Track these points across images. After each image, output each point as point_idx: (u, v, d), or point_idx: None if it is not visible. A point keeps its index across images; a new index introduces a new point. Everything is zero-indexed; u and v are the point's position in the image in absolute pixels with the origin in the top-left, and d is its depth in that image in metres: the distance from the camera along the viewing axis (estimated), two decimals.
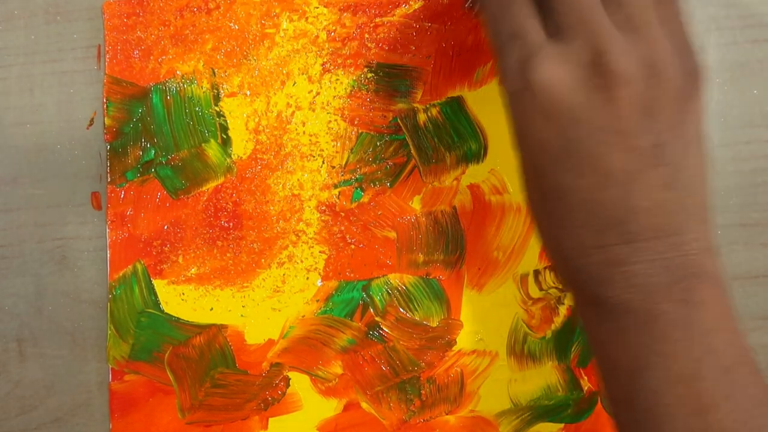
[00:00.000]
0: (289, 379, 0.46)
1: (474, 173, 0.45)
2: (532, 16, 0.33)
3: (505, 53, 0.34)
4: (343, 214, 0.45)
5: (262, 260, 0.45)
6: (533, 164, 0.34)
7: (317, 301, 0.45)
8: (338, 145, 0.45)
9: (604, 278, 0.33)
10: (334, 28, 0.45)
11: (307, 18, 0.45)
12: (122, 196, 0.45)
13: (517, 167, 0.37)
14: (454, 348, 0.46)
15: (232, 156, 0.45)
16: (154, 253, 0.45)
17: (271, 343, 0.45)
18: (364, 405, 0.46)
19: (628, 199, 0.32)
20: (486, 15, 0.35)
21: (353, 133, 0.45)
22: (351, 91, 0.45)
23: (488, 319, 0.46)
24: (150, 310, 0.45)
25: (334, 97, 0.45)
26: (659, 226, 0.32)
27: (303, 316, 0.45)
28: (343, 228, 0.45)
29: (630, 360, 0.33)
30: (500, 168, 0.45)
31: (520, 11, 0.33)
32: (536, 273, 0.46)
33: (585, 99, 0.32)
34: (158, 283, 0.45)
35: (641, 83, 0.32)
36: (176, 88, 0.45)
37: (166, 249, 0.45)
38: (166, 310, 0.45)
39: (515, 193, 0.46)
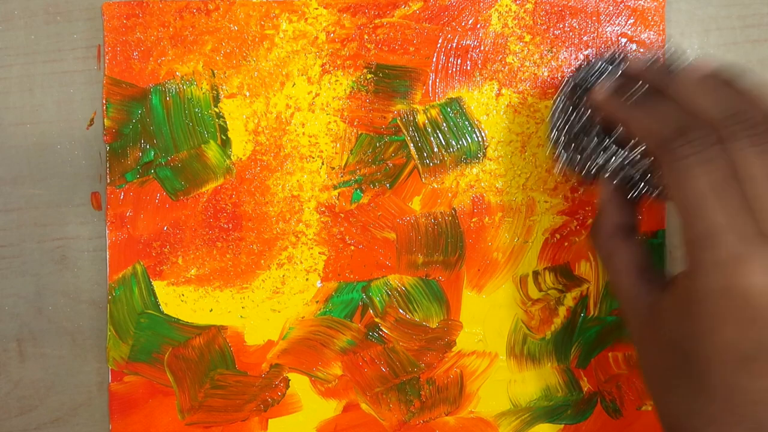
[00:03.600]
0: (289, 380, 0.46)
1: (473, 174, 0.45)
2: (739, 211, 0.32)
3: (707, 246, 0.32)
4: (342, 215, 0.45)
5: (262, 261, 0.45)
6: (697, 359, 0.33)
7: (317, 302, 0.45)
8: (338, 146, 0.45)
9: None
10: (333, 29, 0.45)
11: (306, 19, 0.45)
12: (122, 197, 0.45)
13: (634, 337, 0.37)
14: (453, 349, 0.46)
15: (232, 157, 0.45)
16: (153, 254, 0.45)
17: (270, 344, 0.46)
18: (363, 406, 0.46)
19: None
20: (686, 192, 0.33)
21: (353, 134, 0.45)
22: (350, 92, 0.45)
23: (488, 320, 0.46)
24: (150, 312, 0.45)
25: (334, 98, 0.45)
26: None
27: (302, 317, 0.45)
28: (342, 229, 0.45)
29: None
30: (500, 168, 0.45)
31: (729, 204, 0.32)
32: (535, 274, 0.46)
33: None
34: (158, 285, 0.45)
35: None
36: (176, 89, 0.45)
37: (166, 250, 0.45)
38: (165, 312, 0.45)
39: (515, 193, 0.46)
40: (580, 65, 0.42)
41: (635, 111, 0.37)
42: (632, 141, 0.38)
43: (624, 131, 0.38)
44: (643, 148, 0.37)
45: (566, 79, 0.41)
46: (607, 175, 0.39)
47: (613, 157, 0.39)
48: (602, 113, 0.39)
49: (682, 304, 0.34)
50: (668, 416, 0.36)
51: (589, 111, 0.40)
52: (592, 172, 0.39)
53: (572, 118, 0.40)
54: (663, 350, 0.35)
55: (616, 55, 0.41)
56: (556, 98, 0.41)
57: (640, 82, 0.38)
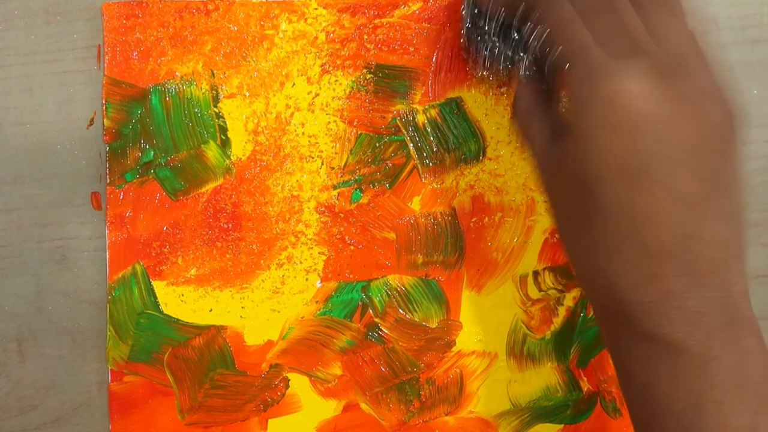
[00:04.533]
0: (289, 380, 0.46)
1: (473, 174, 0.45)
2: (611, 29, 0.34)
3: (577, 60, 0.33)
4: (342, 215, 0.45)
5: (262, 261, 0.45)
6: (591, 181, 0.33)
7: (316, 302, 0.45)
8: (337, 146, 0.45)
9: (660, 313, 0.32)
10: (333, 29, 0.45)
11: (306, 19, 0.45)
12: (121, 197, 0.45)
13: (547, 195, 0.38)
14: (453, 349, 0.46)
15: (231, 157, 0.45)
16: (153, 254, 0.45)
17: (270, 344, 0.46)
18: (363, 406, 0.46)
19: (691, 226, 0.31)
20: (547, 26, 0.35)
21: (352, 134, 0.45)
22: (350, 92, 0.45)
23: (487, 320, 0.46)
24: (149, 312, 0.45)
25: (333, 98, 0.45)
26: (715, 260, 0.32)
27: (302, 317, 0.46)
28: (342, 229, 0.45)
29: (683, 403, 0.32)
30: (499, 168, 0.45)
31: (601, 24, 0.34)
32: (535, 274, 0.46)
33: (668, 112, 0.31)
34: (157, 285, 0.45)
35: (717, 106, 0.32)
36: (175, 89, 0.45)
37: (166, 250, 0.45)
38: (165, 312, 0.45)
39: (514, 193, 0.46)
40: None
41: None
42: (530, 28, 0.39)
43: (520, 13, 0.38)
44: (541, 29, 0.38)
45: None
46: (519, 64, 0.40)
47: (519, 45, 0.40)
48: None
49: (574, 132, 0.33)
50: (578, 263, 0.36)
51: (488, 10, 0.41)
52: (505, 66, 0.41)
53: (477, 22, 0.41)
54: (568, 191, 0.35)
55: None
56: (462, 9, 0.42)
57: None
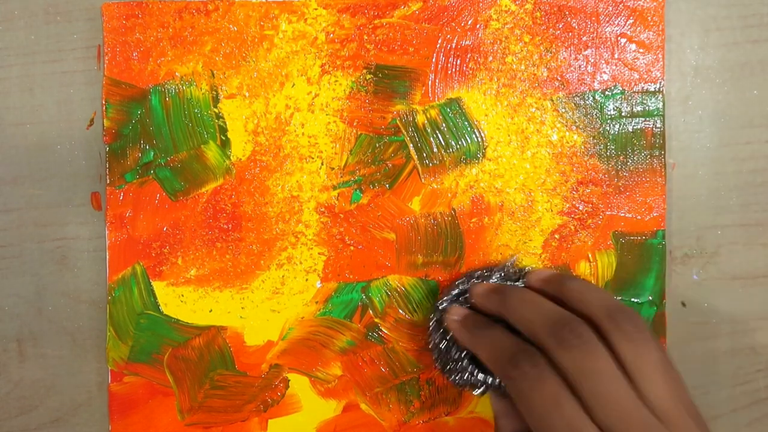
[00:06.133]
0: (289, 380, 0.46)
1: (473, 174, 0.45)
2: (576, 418, 0.33)
3: None
4: (342, 215, 0.45)
5: (261, 262, 0.45)
6: None
7: (316, 302, 0.45)
8: (337, 146, 0.45)
9: None
10: (333, 29, 0.45)
11: (306, 20, 0.45)
12: (121, 197, 0.45)
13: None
14: None
15: (231, 157, 0.45)
16: (153, 254, 0.45)
17: (270, 344, 0.46)
18: (363, 406, 0.46)
19: None
20: (528, 409, 0.35)
21: (352, 134, 0.45)
22: (350, 92, 0.45)
23: None
24: (149, 312, 0.45)
25: (333, 98, 0.45)
26: None
27: (302, 318, 0.46)
28: (342, 229, 0.45)
29: None
30: (499, 168, 0.45)
31: (566, 414, 0.33)
32: None
33: None
34: (157, 285, 0.45)
35: None
36: (175, 89, 0.45)
37: (166, 251, 0.45)
38: (165, 312, 0.45)
39: (514, 194, 0.45)
40: (441, 296, 0.43)
41: (477, 342, 0.39)
42: None
43: None
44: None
45: (436, 305, 0.43)
46: (490, 388, 0.41)
47: (488, 376, 0.41)
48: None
49: None
50: None
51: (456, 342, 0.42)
52: (479, 387, 0.41)
53: (446, 342, 0.42)
54: None
55: (462, 287, 0.43)
56: (431, 324, 0.43)
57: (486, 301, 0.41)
